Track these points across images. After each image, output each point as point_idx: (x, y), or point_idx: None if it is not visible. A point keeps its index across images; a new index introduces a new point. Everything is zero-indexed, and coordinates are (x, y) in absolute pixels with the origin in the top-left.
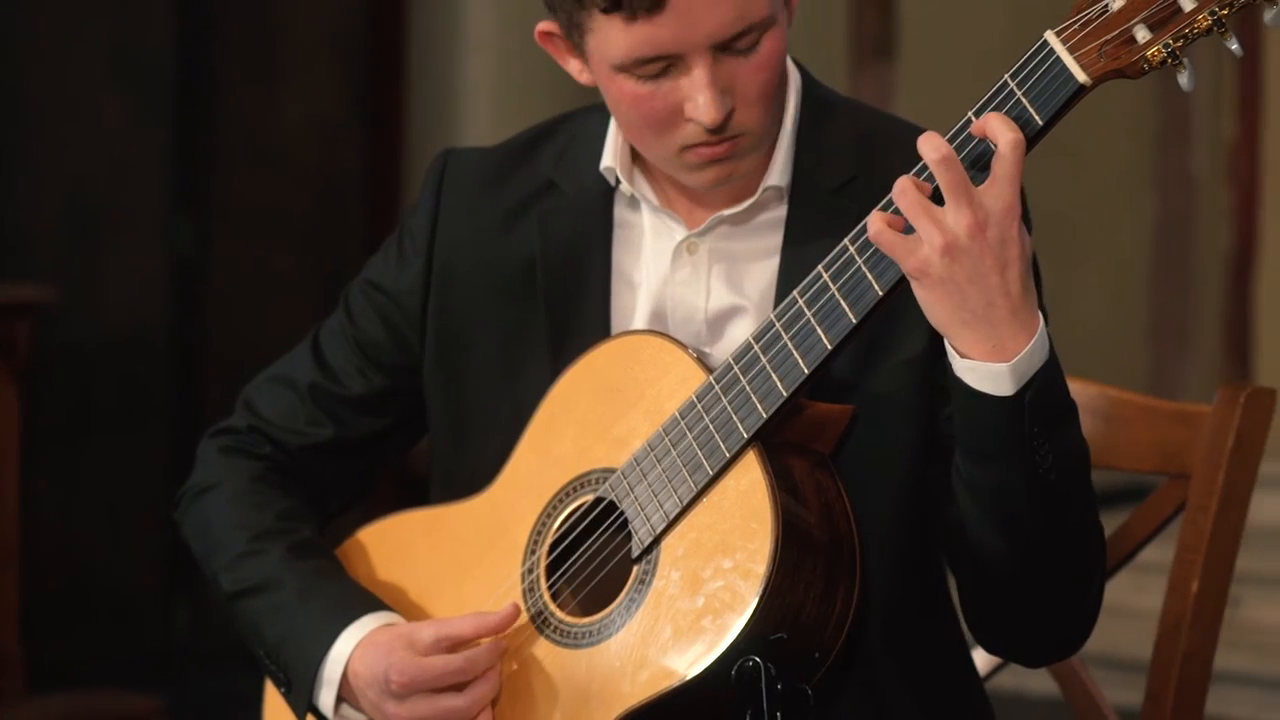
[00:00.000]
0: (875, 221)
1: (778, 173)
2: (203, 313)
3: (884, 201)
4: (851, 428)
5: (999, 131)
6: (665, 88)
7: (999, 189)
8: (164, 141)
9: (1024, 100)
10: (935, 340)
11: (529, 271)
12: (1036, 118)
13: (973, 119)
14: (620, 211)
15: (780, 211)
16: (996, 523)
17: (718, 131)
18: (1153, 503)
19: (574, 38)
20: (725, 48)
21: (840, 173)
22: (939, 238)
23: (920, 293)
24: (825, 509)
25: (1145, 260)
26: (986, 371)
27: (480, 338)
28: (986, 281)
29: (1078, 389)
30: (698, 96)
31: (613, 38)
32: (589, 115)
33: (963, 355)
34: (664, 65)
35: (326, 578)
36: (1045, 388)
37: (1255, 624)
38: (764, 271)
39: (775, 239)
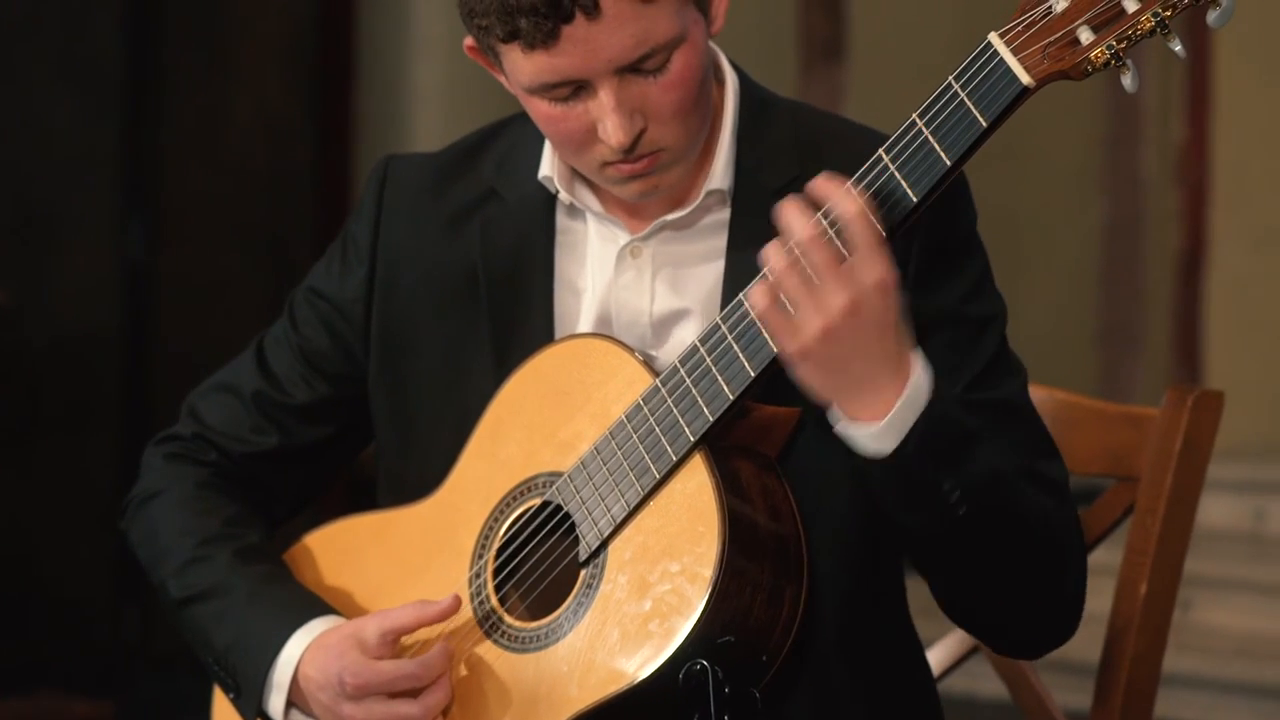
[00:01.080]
0: (760, 298)
1: (719, 175)
2: (153, 315)
3: (763, 273)
4: (799, 430)
5: (839, 205)
6: (577, 109)
7: (867, 262)
8: (113, 142)
9: (968, 102)
10: None
11: (472, 278)
12: (981, 119)
13: (916, 121)
14: (562, 218)
15: (723, 214)
16: (932, 556)
17: (629, 151)
18: (1101, 505)
19: (490, 57)
20: (632, 69)
21: (782, 173)
22: (818, 321)
23: (801, 373)
24: (772, 511)
25: (1095, 262)
26: (865, 433)
27: (424, 344)
28: (868, 351)
29: None
30: (605, 120)
31: (518, 64)
32: (529, 121)
33: (851, 418)
34: (572, 89)
35: (274, 583)
36: (930, 431)
37: (1205, 626)
38: (708, 275)
39: (719, 242)
